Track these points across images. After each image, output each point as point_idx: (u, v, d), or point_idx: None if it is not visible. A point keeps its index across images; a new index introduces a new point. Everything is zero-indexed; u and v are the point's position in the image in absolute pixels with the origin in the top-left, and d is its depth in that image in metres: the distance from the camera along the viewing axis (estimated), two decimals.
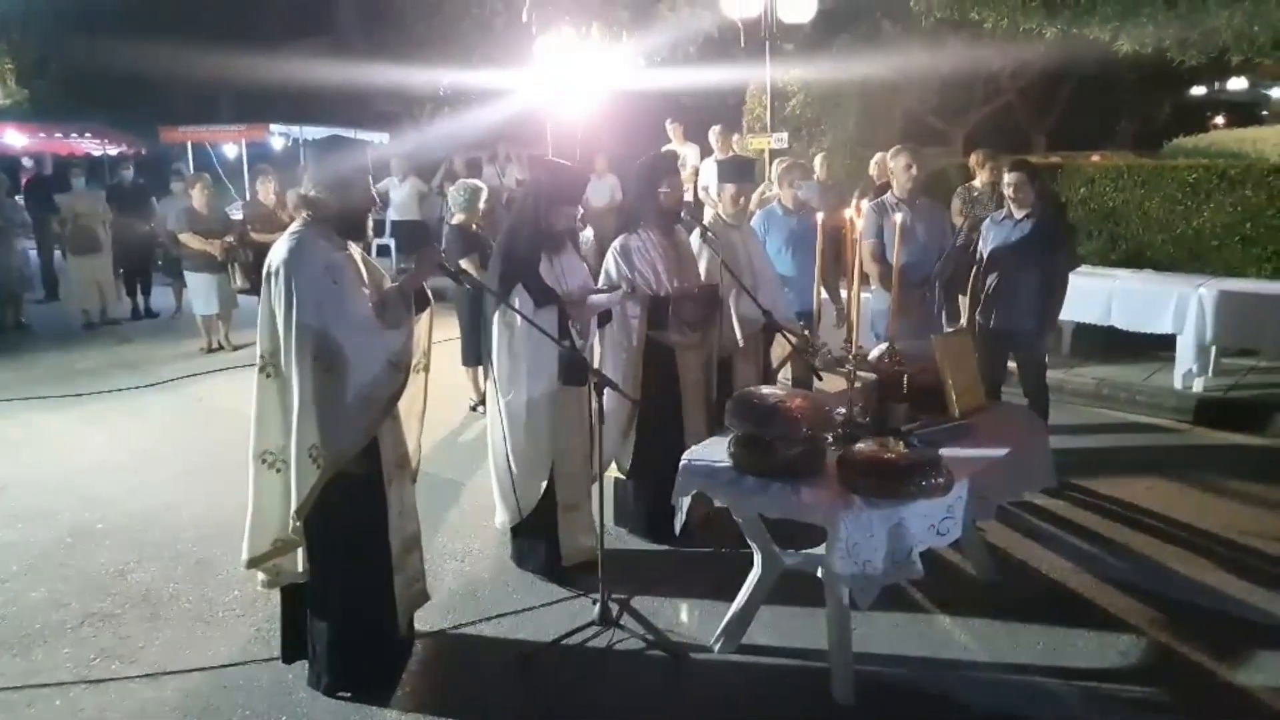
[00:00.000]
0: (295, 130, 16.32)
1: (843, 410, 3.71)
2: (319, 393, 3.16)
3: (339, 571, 3.39)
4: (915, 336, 4.50)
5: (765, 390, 3.56)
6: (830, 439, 3.51)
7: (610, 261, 4.54)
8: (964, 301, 5.96)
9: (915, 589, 4.02)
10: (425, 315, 3.57)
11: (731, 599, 3.75)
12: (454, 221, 6.60)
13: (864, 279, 5.24)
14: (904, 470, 3.10)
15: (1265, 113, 22.95)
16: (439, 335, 3.81)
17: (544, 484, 4.19)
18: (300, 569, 3.42)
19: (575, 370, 3.99)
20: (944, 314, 5.43)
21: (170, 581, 4.40)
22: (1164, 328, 6.96)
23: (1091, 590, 4.14)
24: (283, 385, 3.24)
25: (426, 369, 3.67)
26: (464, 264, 6.18)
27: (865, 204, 5.51)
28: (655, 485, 4.57)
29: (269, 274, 3.21)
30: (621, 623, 3.86)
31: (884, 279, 5.47)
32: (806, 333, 4.74)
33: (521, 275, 4.03)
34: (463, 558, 4.58)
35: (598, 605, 3.85)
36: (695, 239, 4.67)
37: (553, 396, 4.12)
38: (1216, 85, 25.32)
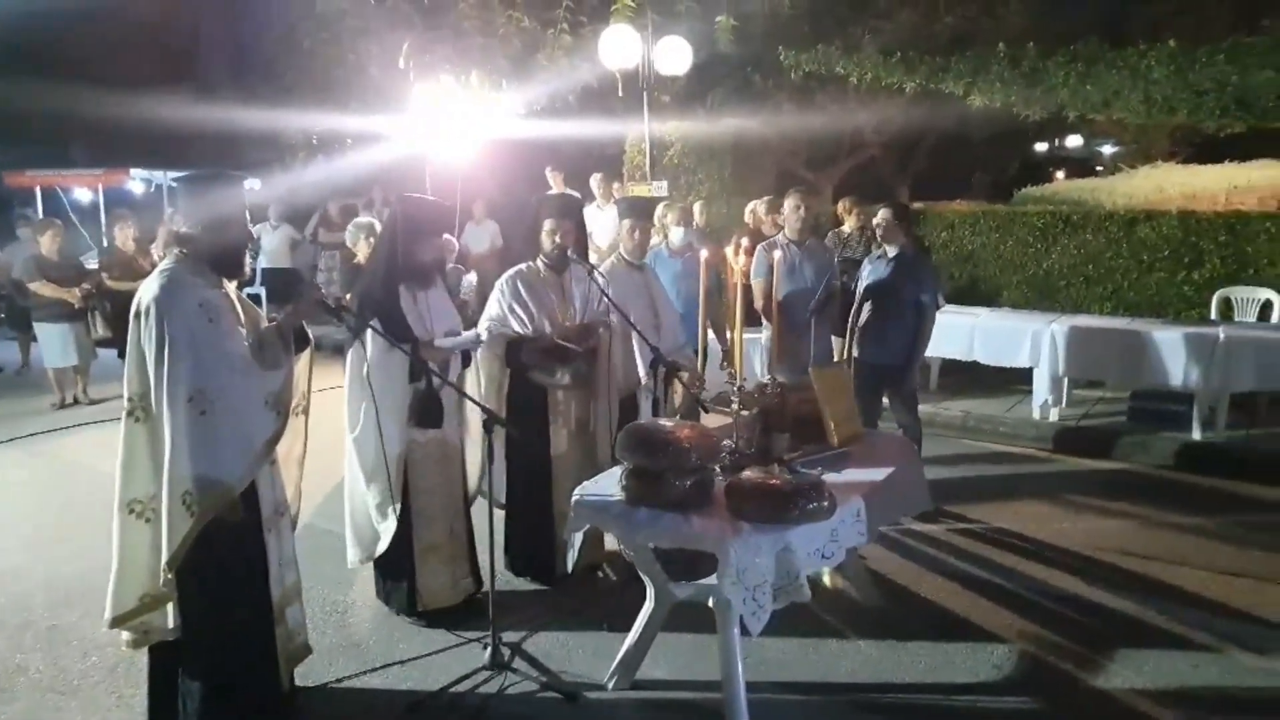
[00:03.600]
0: (159, 175, 15.70)
1: (729, 441, 3.80)
2: (193, 436, 3.03)
3: (215, 626, 3.23)
4: (803, 371, 4.65)
5: (655, 423, 3.61)
6: (718, 469, 3.58)
7: (494, 296, 4.53)
8: (838, 341, 6.23)
9: (803, 616, 4.09)
10: (305, 355, 3.48)
11: (623, 634, 3.74)
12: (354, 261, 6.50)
13: (752, 317, 5.40)
14: (789, 495, 3.19)
15: (1100, 167, 24.84)
16: (325, 382, 3.72)
17: (394, 521, 4.05)
18: (171, 625, 3.24)
19: (429, 412, 3.96)
20: (816, 348, 5.62)
21: (18, 652, 4.07)
22: (1022, 361, 7.39)
23: (966, 608, 4.32)
24: (153, 429, 3.09)
25: (306, 411, 3.57)
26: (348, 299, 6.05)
27: (746, 242, 5.72)
28: (530, 522, 4.57)
29: (138, 312, 3.07)
30: (513, 666, 3.80)
31: (770, 315, 5.65)
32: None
33: (377, 311, 3.94)
34: (346, 609, 4.42)
35: (488, 650, 3.78)
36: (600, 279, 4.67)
37: (406, 433, 4.04)
38: (1057, 141, 27.43)
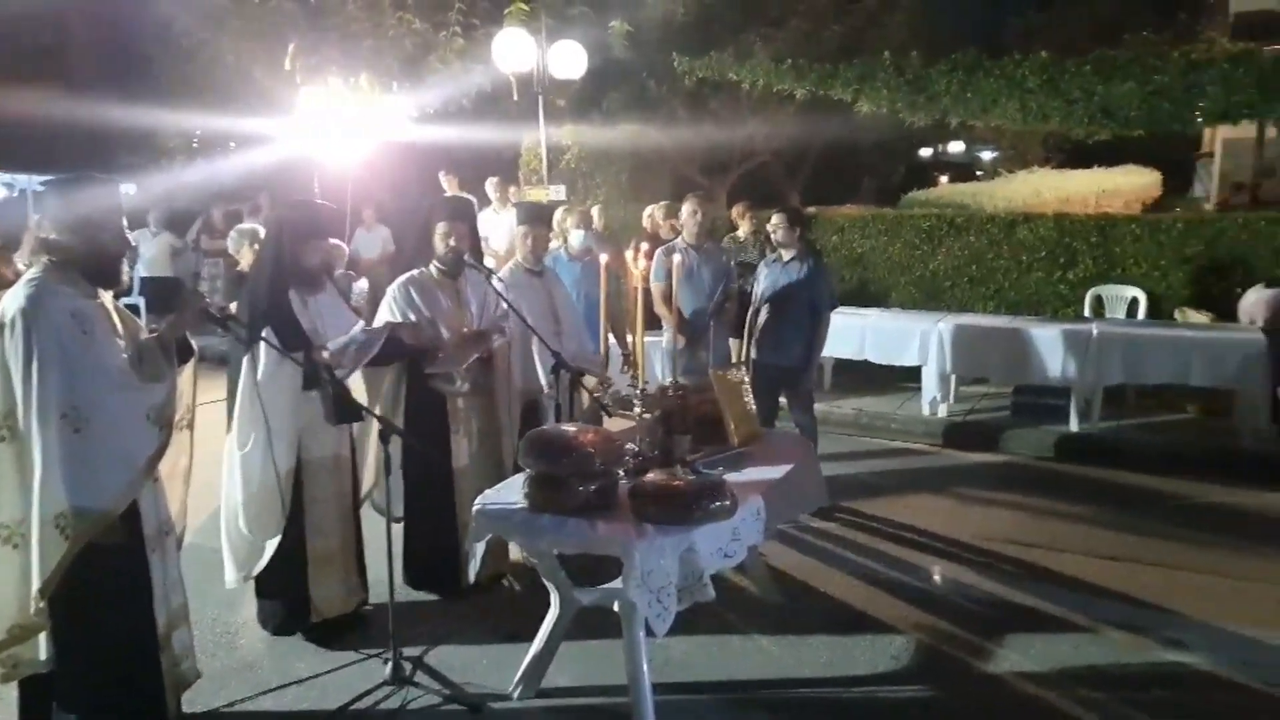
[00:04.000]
0: (22, 179, 14.80)
1: (632, 444, 3.80)
2: (67, 455, 2.86)
3: (94, 655, 3.06)
4: (702, 373, 4.69)
5: (558, 429, 3.59)
6: (622, 473, 3.58)
7: (385, 303, 4.43)
8: (735, 343, 6.33)
9: (706, 615, 4.13)
10: (188, 368, 3.33)
11: (527, 643, 3.70)
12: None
13: (652, 321, 5.43)
14: (692, 496, 3.21)
15: (980, 172, 25.94)
16: (207, 395, 3.57)
17: (277, 538, 3.92)
18: (43, 657, 3.05)
19: (345, 409, 3.86)
20: (714, 350, 5.68)
21: None
22: (911, 360, 7.64)
23: (864, 601, 4.44)
24: (21, 450, 2.91)
25: (191, 425, 3.42)
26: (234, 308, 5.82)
27: (646, 246, 5.77)
28: (431, 533, 4.48)
29: (2, 325, 2.88)
30: (415, 680, 3.71)
31: (669, 318, 5.71)
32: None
33: (269, 317, 3.82)
34: (236, 630, 4.24)
35: (389, 665, 3.69)
36: (497, 284, 4.60)
37: (298, 443, 3.93)
38: (940, 147, 28.55)
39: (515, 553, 4.53)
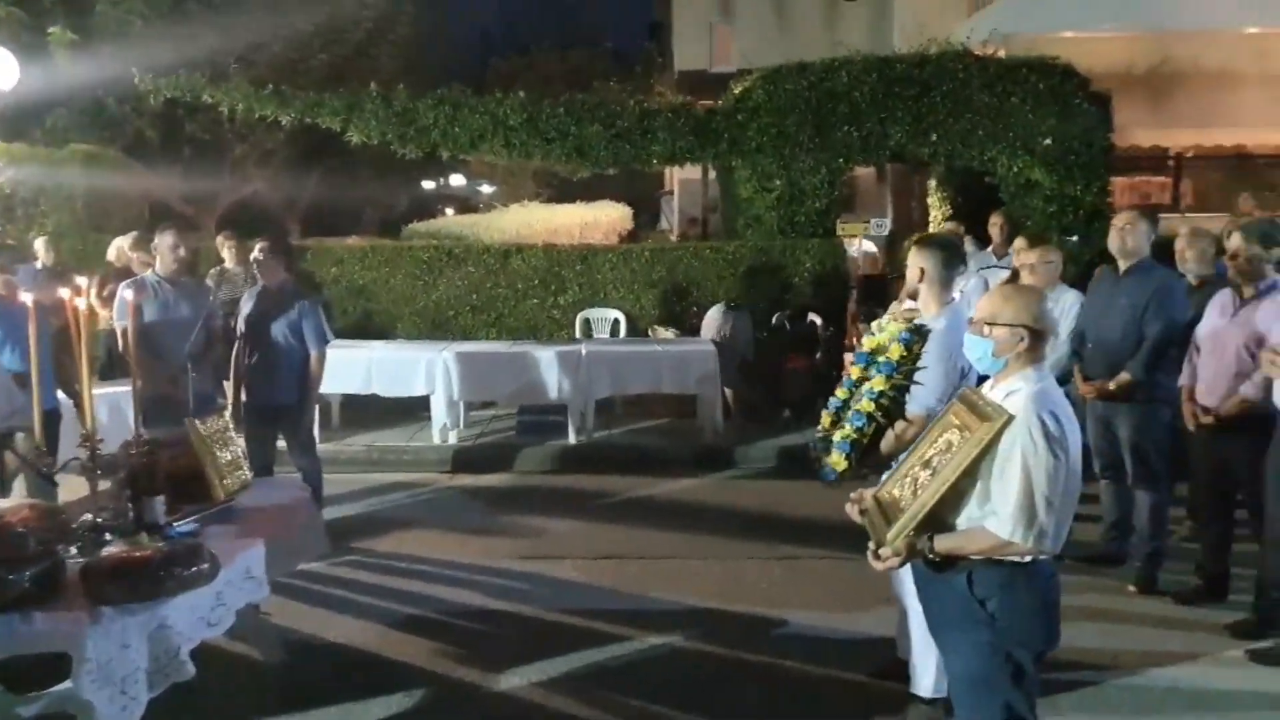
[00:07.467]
0: None
1: (89, 515, 3.26)
2: None
3: None
4: (178, 422, 4.18)
5: None
6: (74, 550, 3.05)
7: None
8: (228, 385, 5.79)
9: (193, 692, 3.67)
10: None
11: None
12: None
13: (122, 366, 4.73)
14: (159, 565, 2.83)
15: (481, 204, 27.20)
16: None
17: None
18: None
19: None
20: (196, 395, 5.12)
21: None
22: (419, 390, 7.65)
23: (377, 644, 4.29)
24: None
25: None
26: None
27: (121, 287, 5.10)
28: None
29: None
30: None
31: (141, 364, 5.03)
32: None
33: None
34: None
35: None
36: None
37: None
38: (442, 180, 29.40)
39: None
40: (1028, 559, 2.47)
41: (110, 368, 6.65)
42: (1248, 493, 4.42)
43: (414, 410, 8.05)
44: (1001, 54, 10.55)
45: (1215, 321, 4.44)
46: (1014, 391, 2.54)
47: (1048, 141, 9.13)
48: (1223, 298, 4.45)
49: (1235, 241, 4.30)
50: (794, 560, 5.34)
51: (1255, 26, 13.43)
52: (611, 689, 3.89)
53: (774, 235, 9.39)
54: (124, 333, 5.05)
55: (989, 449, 2.43)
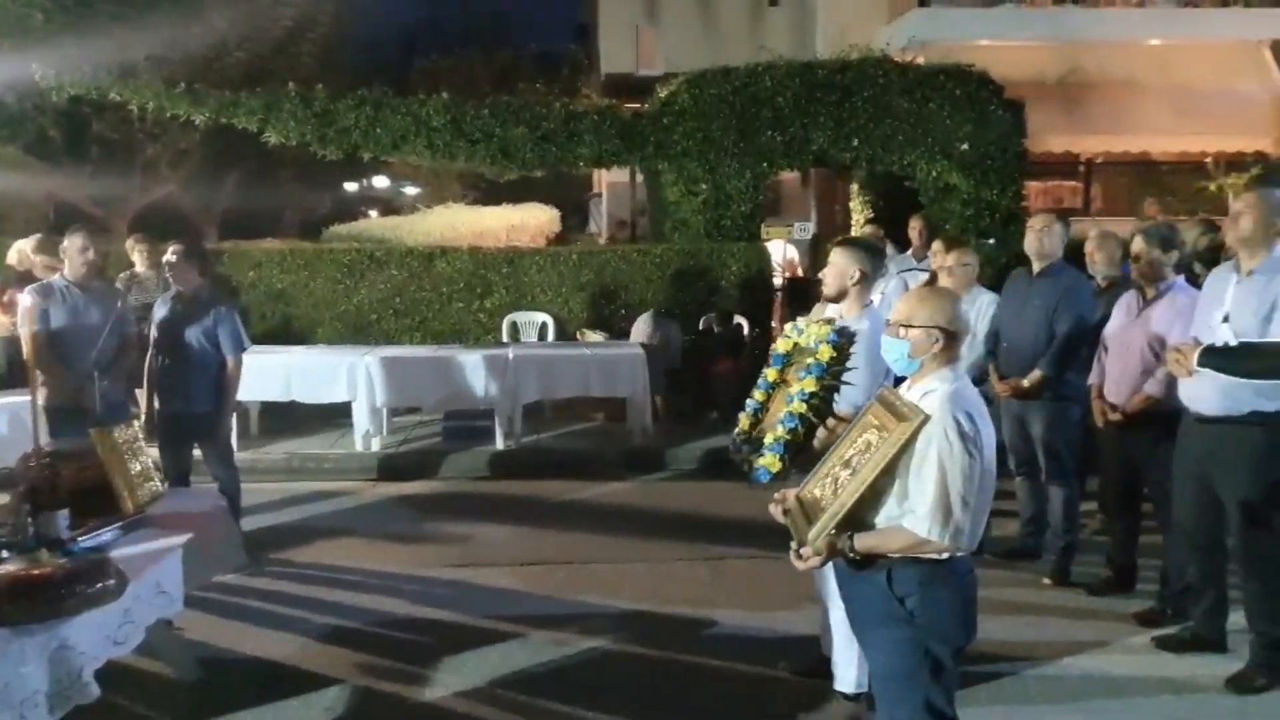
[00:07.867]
0: None
1: None
2: None
3: None
4: (86, 432, 4.01)
5: None
6: None
7: None
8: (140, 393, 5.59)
9: (99, 714, 3.54)
10: None
11: None
12: None
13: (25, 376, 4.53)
14: (60, 583, 2.71)
15: (406, 206, 26.78)
16: None
17: None
18: None
19: None
20: (105, 404, 4.93)
21: None
22: (340, 396, 7.48)
23: (296, 656, 4.18)
24: None
25: None
26: None
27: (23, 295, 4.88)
28: None
29: None
30: None
31: (48, 372, 4.84)
32: None
33: None
34: None
35: None
36: None
37: None
38: (366, 181, 28.84)
39: None
40: (945, 556, 2.52)
41: (10, 377, 6.36)
42: (1153, 487, 4.59)
43: (335, 417, 7.88)
44: (920, 61, 10.80)
45: (1121, 321, 4.60)
46: (930, 392, 2.59)
47: (965, 147, 9.39)
48: (1128, 299, 4.62)
49: (1137, 245, 4.47)
50: (721, 561, 5.38)
51: (1158, 39, 14.06)
52: (541, 695, 3.85)
53: (701, 239, 9.45)
54: (33, 340, 4.84)
55: (906, 448, 2.48)
